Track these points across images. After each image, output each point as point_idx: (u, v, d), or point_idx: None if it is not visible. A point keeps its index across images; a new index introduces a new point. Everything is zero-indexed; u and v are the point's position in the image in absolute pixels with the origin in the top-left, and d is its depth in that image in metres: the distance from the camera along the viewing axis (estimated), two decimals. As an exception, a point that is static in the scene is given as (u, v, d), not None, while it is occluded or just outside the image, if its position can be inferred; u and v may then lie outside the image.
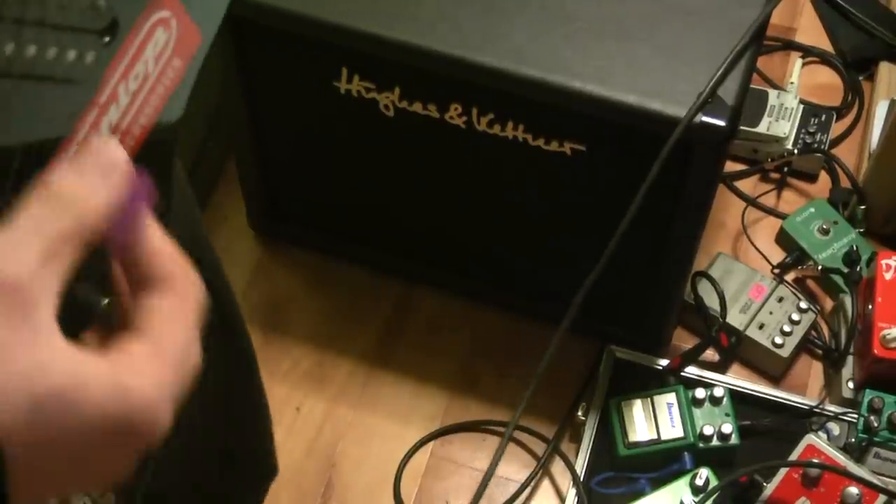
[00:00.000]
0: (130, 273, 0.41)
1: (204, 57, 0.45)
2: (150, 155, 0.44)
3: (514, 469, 1.17)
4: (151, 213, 0.40)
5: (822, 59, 1.51)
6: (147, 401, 0.37)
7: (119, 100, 0.42)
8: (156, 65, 0.43)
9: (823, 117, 1.40)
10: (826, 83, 1.49)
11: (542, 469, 1.16)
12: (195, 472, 0.84)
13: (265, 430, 0.96)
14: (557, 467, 1.16)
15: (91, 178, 0.38)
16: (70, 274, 0.37)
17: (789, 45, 1.53)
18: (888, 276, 1.17)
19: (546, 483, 1.16)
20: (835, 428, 1.14)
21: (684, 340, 1.24)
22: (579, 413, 1.16)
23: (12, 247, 0.35)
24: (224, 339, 0.83)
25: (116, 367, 0.37)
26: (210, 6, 0.46)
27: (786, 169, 1.37)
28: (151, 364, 0.38)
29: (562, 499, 1.14)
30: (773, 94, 1.40)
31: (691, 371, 1.17)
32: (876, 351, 1.13)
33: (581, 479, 1.11)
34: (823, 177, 1.39)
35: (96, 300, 0.41)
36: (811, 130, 1.39)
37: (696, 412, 1.13)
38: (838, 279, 1.24)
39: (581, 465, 1.12)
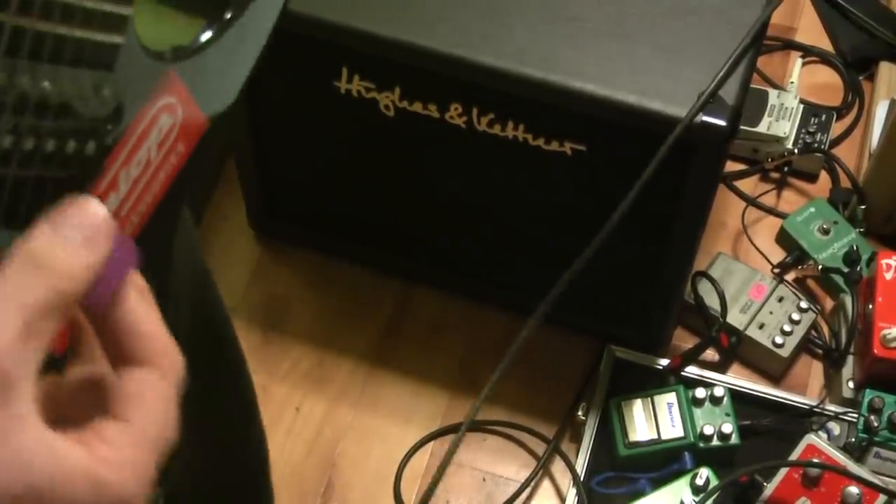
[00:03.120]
0: (108, 345, 0.39)
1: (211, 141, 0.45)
2: (156, 212, 0.43)
3: (514, 469, 1.17)
4: (135, 276, 0.39)
5: (823, 58, 1.51)
6: (123, 494, 0.36)
7: (119, 188, 0.41)
8: (158, 151, 0.42)
9: (823, 117, 1.40)
10: (826, 83, 1.49)
11: (542, 469, 1.16)
12: (186, 495, 0.84)
13: (265, 470, 0.96)
14: (557, 467, 1.16)
15: (72, 241, 0.36)
16: (48, 349, 0.35)
17: (789, 45, 1.53)
18: (888, 275, 1.17)
19: (546, 483, 1.16)
20: (835, 428, 1.14)
21: (684, 340, 1.24)
22: (579, 413, 1.16)
23: None
24: (228, 382, 0.82)
25: (95, 459, 0.36)
26: (219, 91, 0.45)
27: (786, 169, 1.37)
28: (130, 451, 0.37)
29: (562, 499, 1.14)
30: (773, 93, 1.39)
31: (691, 371, 1.17)
32: (876, 351, 1.13)
33: (581, 478, 1.11)
34: (823, 176, 1.39)
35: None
36: (811, 130, 1.39)
37: (697, 412, 1.13)
38: (838, 279, 1.24)
39: (581, 465, 1.12)
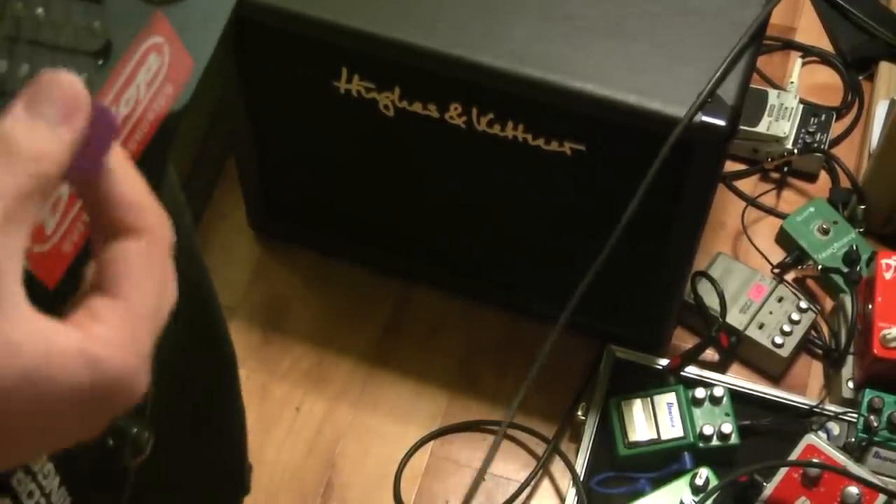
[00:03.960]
0: (95, 217, 0.38)
1: (196, 82, 0.45)
2: (143, 159, 0.44)
3: (514, 469, 1.17)
4: (116, 148, 0.38)
5: (822, 58, 1.51)
6: (121, 370, 0.36)
7: None
8: (147, 90, 0.43)
9: (823, 117, 1.40)
10: (826, 83, 1.49)
11: (542, 469, 1.16)
12: (170, 482, 0.84)
13: (241, 443, 0.96)
14: (557, 467, 1.16)
15: (49, 119, 0.34)
16: (33, 231, 0.34)
17: (789, 45, 1.53)
18: (888, 275, 1.17)
19: (546, 483, 1.16)
20: (835, 428, 1.14)
21: (684, 340, 1.24)
22: (579, 413, 1.16)
23: None
24: (208, 348, 0.82)
25: (88, 338, 0.35)
26: (203, 33, 0.46)
27: (786, 169, 1.37)
28: (124, 326, 0.36)
29: (562, 499, 1.14)
30: (773, 93, 1.39)
31: (691, 371, 1.17)
32: (876, 351, 1.13)
33: (581, 478, 1.11)
34: (823, 176, 1.39)
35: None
36: (811, 130, 1.39)
37: (696, 412, 1.13)
38: (838, 279, 1.24)
39: (581, 464, 1.12)
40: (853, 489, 1.04)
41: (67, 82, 0.35)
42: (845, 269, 1.24)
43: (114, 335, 0.36)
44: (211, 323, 0.81)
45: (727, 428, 1.11)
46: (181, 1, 0.44)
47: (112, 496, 0.67)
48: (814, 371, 1.24)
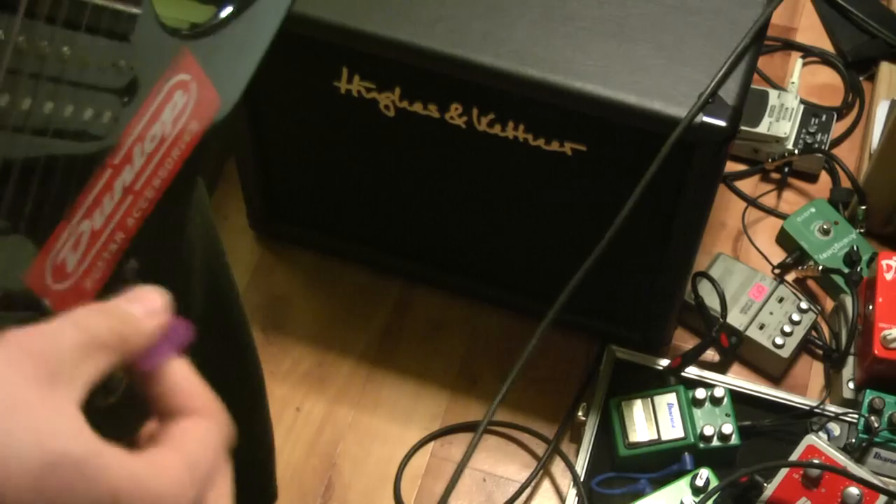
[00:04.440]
0: (153, 403, 0.41)
1: (222, 122, 0.45)
2: (168, 195, 0.43)
3: (514, 469, 1.17)
4: (182, 356, 0.42)
5: (823, 59, 1.51)
6: (161, 496, 0.36)
7: (134, 161, 0.42)
8: (173, 128, 0.43)
9: (824, 117, 1.40)
10: (826, 83, 1.49)
11: (542, 469, 1.16)
12: None
13: (270, 456, 0.96)
14: (557, 467, 1.16)
15: (136, 310, 0.40)
16: (99, 379, 0.37)
17: (790, 45, 1.53)
18: (889, 276, 1.17)
19: (546, 483, 1.16)
20: (835, 428, 1.14)
21: (684, 340, 1.24)
22: (579, 413, 1.15)
23: (52, 330, 0.36)
24: (235, 362, 0.83)
25: (136, 460, 0.36)
26: (233, 74, 0.45)
27: (786, 169, 1.37)
28: (173, 468, 0.38)
29: (562, 499, 1.14)
30: (773, 94, 1.39)
31: (691, 371, 1.17)
32: (876, 351, 1.13)
33: (581, 479, 1.11)
34: (824, 177, 1.39)
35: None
36: (811, 130, 1.39)
37: (697, 412, 1.13)
38: (839, 279, 1.24)
39: (581, 465, 1.12)
40: (854, 490, 1.04)
41: (154, 293, 0.41)
42: (846, 270, 1.24)
43: (167, 472, 0.37)
44: (239, 337, 0.81)
45: (728, 428, 1.11)
46: (209, 36, 0.44)
47: None
48: (814, 372, 1.24)
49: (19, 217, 0.39)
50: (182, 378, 0.41)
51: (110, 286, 0.44)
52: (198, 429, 0.40)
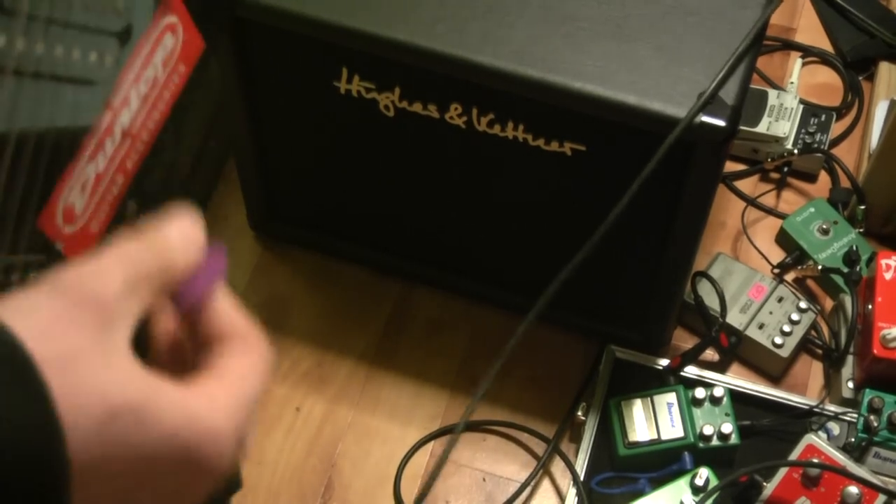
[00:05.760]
0: (196, 333, 0.42)
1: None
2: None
3: (514, 469, 1.17)
4: (223, 285, 0.42)
5: (822, 59, 1.52)
6: (217, 431, 0.37)
7: (131, 104, 0.43)
8: (164, 69, 0.44)
9: (823, 117, 1.40)
10: (826, 83, 1.49)
11: (542, 469, 1.16)
12: None
13: None
14: (557, 467, 1.17)
15: (175, 239, 0.41)
16: (145, 313, 0.38)
17: (789, 45, 1.53)
18: (888, 275, 1.17)
19: (546, 483, 1.16)
20: (835, 428, 1.14)
21: (684, 340, 1.24)
22: (579, 413, 1.16)
23: (101, 270, 0.37)
24: None
25: (190, 396, 0.38)
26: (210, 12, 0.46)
27: (786, 169, 1.37)
28: (226, 401, 0.39)
29: (562, 499, 1.14)
30: (772, 94, 1.40)
31: (691, 371, 1.17)
32: (876, 351, 1.13)
33: (581, 479, 1.12)
34: (823, 177, 1.39)
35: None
36: (811, 130, 1.39)
37: (696, 412, 1.13)
38: (838, 279, 1.24)
39: (581, 465, 1.12)
40: (853, 489, 1.04)
41: (190, 219, 0.42)
42: (845, 270, 1.24)
43: (217, 403, 0.38)
44: None
45: (727, 428, 1.11)
46: None
47: None
48: (814, 371, 1.24)
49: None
50: (225, 307, 0.42)
51: (112, 228, 0.45)
52: (244, 359, 0.41)
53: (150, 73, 0.43)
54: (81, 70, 0.40)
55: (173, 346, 0.44)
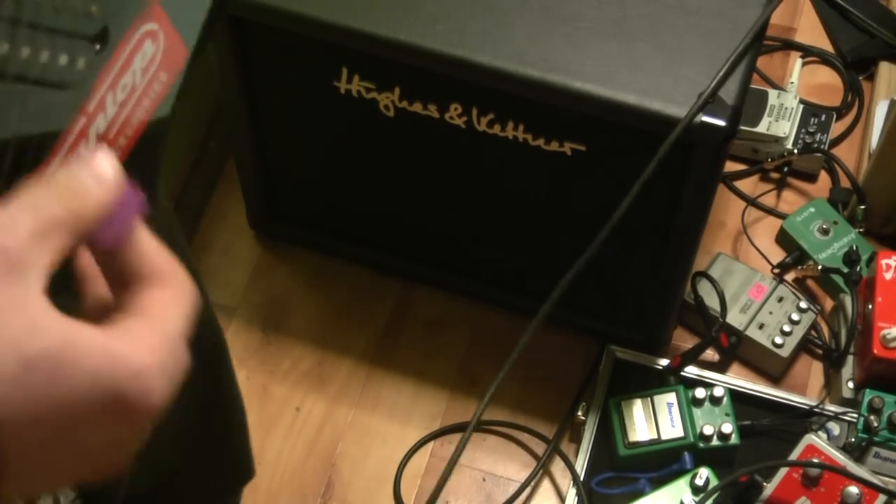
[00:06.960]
0: (116, 273, 0.41)
1: (187, 68, 0.46)
2: (138, 157, 0.44)
3: (514, 469, 1.17)
4: (142, 222, 0.41)
5: (822, 58, 1.51)
6: (140, 369, 0.37)
7: (107, 109, 0.42)
8: (143, 77, 0.44)
9: (823, 117, 1.40)
10: (826, 83, 1.49)
11: (542, 469, 1.16)
12: (172, 472, 0.83)
13: (241, 425, 0.96)
14: (557, 467, 1.16)
15: (85, 180, 0.39)
16: (60, 259, 0.37)
17: (789, 45, 1.53)
18: (888, 275, 1.17)
19: (546, 483, 1.16)
20: (835, 428, 1.14)
21: (684, 340, 1.24)
22: (579, 413, 1.16)
23: (6, 220, 0.36)
24: (199, 337, 0.83)
25: (110, 337, 0.37)
26: (190, 19, 0.46)
27: (786, 169, 1.37)
28: (148, 338, 0.38)
29: (562, 499, 1.14)
30: (773, 93, 1.40)
31: (691, 371, 1.17)
32: (876, 351, 1.13)
33: (581, 478, 1.11)
34: (823, 177, 1.39)
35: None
36: (811, 130, 1.39)
37: (696, 412, 1.13)
38: (838, 279, 1.24)
39: (581, 465, 1.12)
40: (853, 489, 1.04)
41: (102, 157, 0.40)
42: (845, 270, 1.24)
43: (139, 341, 0.38)
44: (203, 319, 0.81)
45: (727, 428, 1.11)
46: None
47: (114, 489, 0.67)
48: (814, 371, 1.24)
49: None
50: (144, 246, 0.41)
51: None
52: (165, 296, 0.40)
53: (128, 79, 0.43)
54: (51, 73, 0.40)
55: (97, 288, 0.44)
